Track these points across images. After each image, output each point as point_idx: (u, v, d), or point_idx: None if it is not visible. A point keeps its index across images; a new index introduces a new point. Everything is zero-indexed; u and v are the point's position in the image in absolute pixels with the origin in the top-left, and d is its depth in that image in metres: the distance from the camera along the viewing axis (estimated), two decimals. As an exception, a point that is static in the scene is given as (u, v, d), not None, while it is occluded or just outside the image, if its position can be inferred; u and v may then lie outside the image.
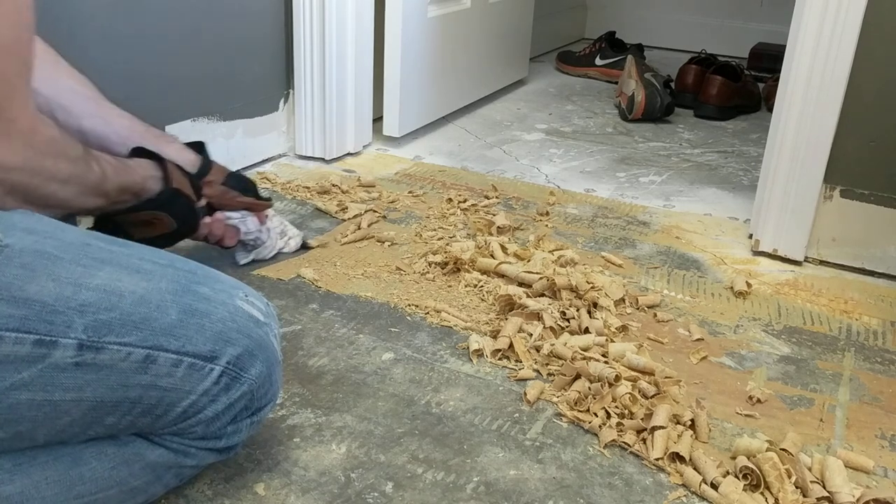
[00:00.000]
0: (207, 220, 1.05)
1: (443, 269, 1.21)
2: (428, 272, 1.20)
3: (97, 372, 0.61)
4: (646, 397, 0.91)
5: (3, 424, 0.60)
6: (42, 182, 0.68)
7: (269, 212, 1.20)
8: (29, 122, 0.65)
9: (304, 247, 1.25)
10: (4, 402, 0.58)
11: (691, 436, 0.86)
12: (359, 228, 1.32)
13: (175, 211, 0.93)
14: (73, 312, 0.60)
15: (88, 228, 0.90)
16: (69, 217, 0.91)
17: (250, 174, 1.57)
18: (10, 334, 0.57)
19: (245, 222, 1.14)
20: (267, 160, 1.64)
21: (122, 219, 0.90)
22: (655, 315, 1.12)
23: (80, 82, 0.94)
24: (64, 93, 0.91)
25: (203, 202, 1.02)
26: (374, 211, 1.40)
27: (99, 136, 0.93)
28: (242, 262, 1.18)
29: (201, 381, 0.66)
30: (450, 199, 1.47)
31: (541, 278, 1.12)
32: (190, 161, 1.02)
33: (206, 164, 1.05)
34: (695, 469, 0.81)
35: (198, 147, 1.06)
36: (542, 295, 1.12)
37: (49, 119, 0.70)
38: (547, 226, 1.41)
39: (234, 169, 1.53)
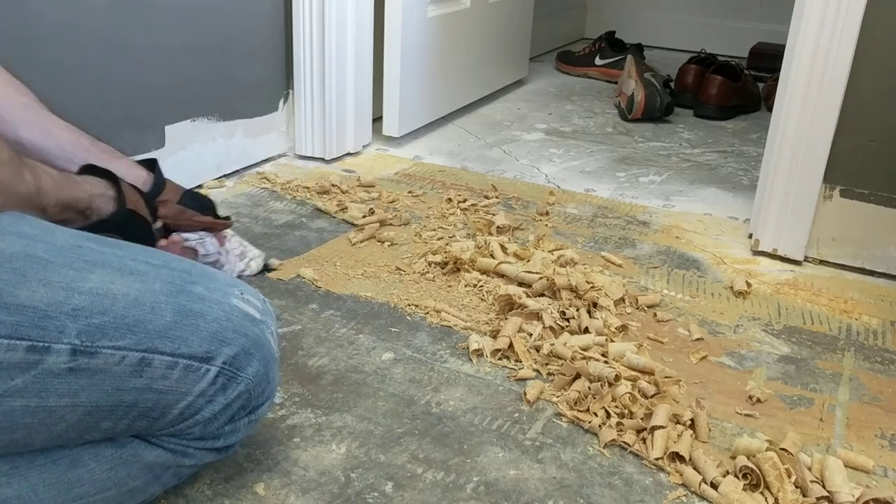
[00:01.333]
0: (163, 242, 0.97)
1: (443, 268, 1.21)
2: (428, 272, 1.20)
3: (91, 377, 0.61)
4: (646, 397, 0.91)
5: None
6: None
7: (228, 232, 1.13)
8: None
9: (266, 269, 1.17)
10: None
11: (691, 435, 0.86)
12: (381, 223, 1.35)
13: (130, 234, 0.82)
14: (65, 317, 0.59)
15: None
16: None
17: (250, 174, 1.57)
18: (2, 341, 0.57)
19: (203, 244, 1.05)
20: (267, 160, 1.64)
21: None
22: (655, 315, 1.12)
23: (17, 89, 0.87)
24: None
25: (159, 223, 0.95)
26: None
27: (39, 148, 0.86)
28: None
29: (197, 382, 0.65)
30: (449, 199, 1.47)
31: (540, 278, 1.12)
32: (141, 178, 0.95)
33: (160, 182, 0.97)
34: (695, 469, 0.81)
35: (149, 164, 0.98)
36: (542, 295, 1.12)
37: None
38: (547, 226, 1.41)
39: (232, 170, 1.55)
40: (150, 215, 0.90)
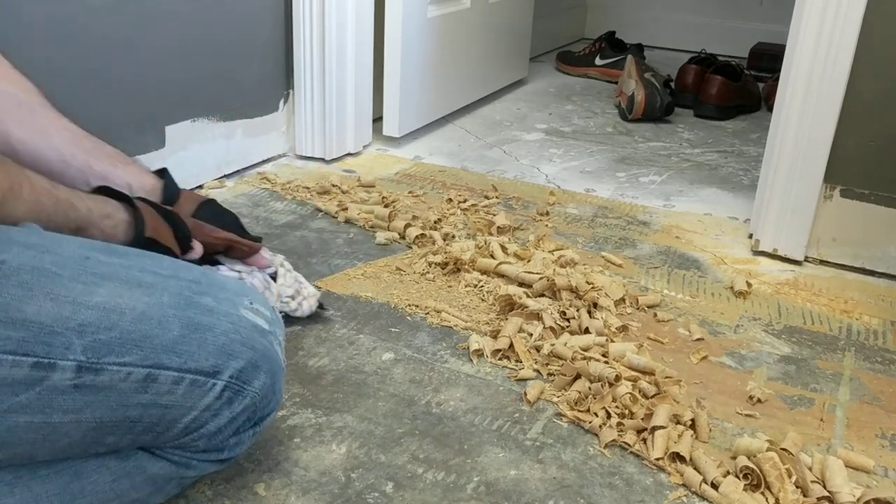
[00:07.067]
0: None
1: (443, 269, 1.21)
2: (428, 272, 1.20)
3: (96, 393, 0.60)
4: (646, 397, 0.91)
5: (1, 447, 0.59)
6: None
7: (285, 264, 0.98)
8: None
9: (322, 308, 1.05)
10: (2, 424, 0.57)
11: (692, 436, 0.86)
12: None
13: None
14: (71, 333, 0.58)
15: None
16: None
17: (250, 174, 1.57)
18: (7, 357, 0.56)
19: (251, 279, 0.90)
20: (267, 160, 1.64)
21: None
22: (655, 315, 1.12)
23: (12, 83, 0.79)
24: None
25: (195, 254, 0.81)
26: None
27: (33, 149, 0.77)
28: None
29: (203, 396, 0.64)
30: (450, 200, 1.47)
31: (541, 278, 1.12)
32: (150, 186, 0.85)
33: (172, 192, 0.86)
34: (695, 469, 0.81)
35: (159, 174, 0.88)
36: (542, 295, 1.12)
37: None
38: (547, 226, 1.41)
39: (232, 170, 1.55)
40: (178, 244, 0.78)
